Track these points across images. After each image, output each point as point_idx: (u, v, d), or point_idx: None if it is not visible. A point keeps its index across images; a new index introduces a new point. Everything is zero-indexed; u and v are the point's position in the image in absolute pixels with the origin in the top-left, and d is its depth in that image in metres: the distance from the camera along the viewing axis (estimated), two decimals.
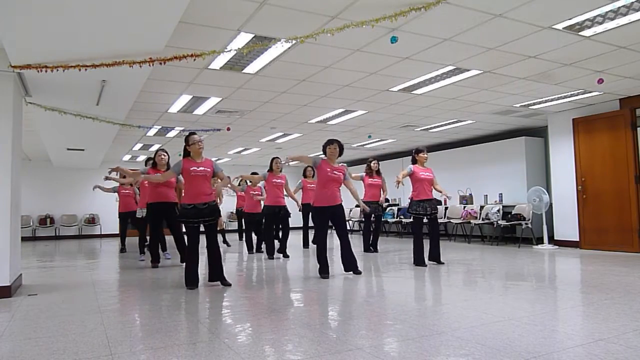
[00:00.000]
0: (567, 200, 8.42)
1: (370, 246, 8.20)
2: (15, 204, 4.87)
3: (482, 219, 9.84)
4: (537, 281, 5.27)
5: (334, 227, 5.66)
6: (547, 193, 8.66)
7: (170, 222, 6.61)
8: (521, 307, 3.83)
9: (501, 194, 10.10)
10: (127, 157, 13.60)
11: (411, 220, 6.72)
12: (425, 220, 6.32)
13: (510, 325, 3.16)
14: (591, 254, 7.37)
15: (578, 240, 8.16)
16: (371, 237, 8.25)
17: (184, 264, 5.22)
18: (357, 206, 8.70)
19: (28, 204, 11.98)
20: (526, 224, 8.92)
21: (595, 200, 7.93)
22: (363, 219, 8.61)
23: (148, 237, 7.31)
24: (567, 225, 8.46)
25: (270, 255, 7.53)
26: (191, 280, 4.84)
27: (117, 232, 14.51)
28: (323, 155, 5.66)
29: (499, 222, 9.32)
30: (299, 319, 3.60)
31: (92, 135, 8.32)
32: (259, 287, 5.06)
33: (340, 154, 5.60)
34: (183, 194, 5.15)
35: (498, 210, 9.53)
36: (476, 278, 5.47)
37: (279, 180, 7.54)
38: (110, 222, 14.62)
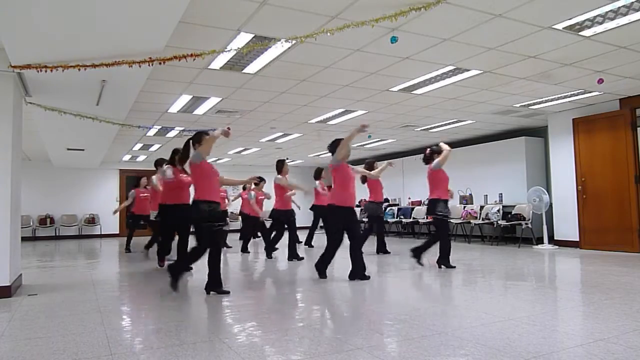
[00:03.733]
0: (567, 200, 8.42)
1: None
2: (15, 204, 4.86)
3: (482, 219, 9.84)
4: (537, 281, 5.27)
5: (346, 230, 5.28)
6: (547, 193, 8.66)
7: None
8: (521, 307, 3.83)
9: (501, 194, 10.10)
10: (127, 157, 13.58)
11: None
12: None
13: (510, 325, 3.16)
14: (591, 254, 7.37)
15: (578, 240, 8.15)
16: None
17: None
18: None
19: (28, 204, 11.94)
20: (526, 224, 8.92)
21: (595, 200, 7.92)
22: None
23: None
24: (567, 225, 8.46)
25: (269, 255, 7.66)
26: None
27: (117, 232, 14.65)
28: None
29: (499, 222, 9.31)
30: (299, 319, 3.60)
31: (92, 135, 8.32)
32: (258, 288, 5.06)
33: None
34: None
35: (498, 210, 9.53)
36: (476, 278, 5.47)
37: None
38: (110, 223, 14.61)
